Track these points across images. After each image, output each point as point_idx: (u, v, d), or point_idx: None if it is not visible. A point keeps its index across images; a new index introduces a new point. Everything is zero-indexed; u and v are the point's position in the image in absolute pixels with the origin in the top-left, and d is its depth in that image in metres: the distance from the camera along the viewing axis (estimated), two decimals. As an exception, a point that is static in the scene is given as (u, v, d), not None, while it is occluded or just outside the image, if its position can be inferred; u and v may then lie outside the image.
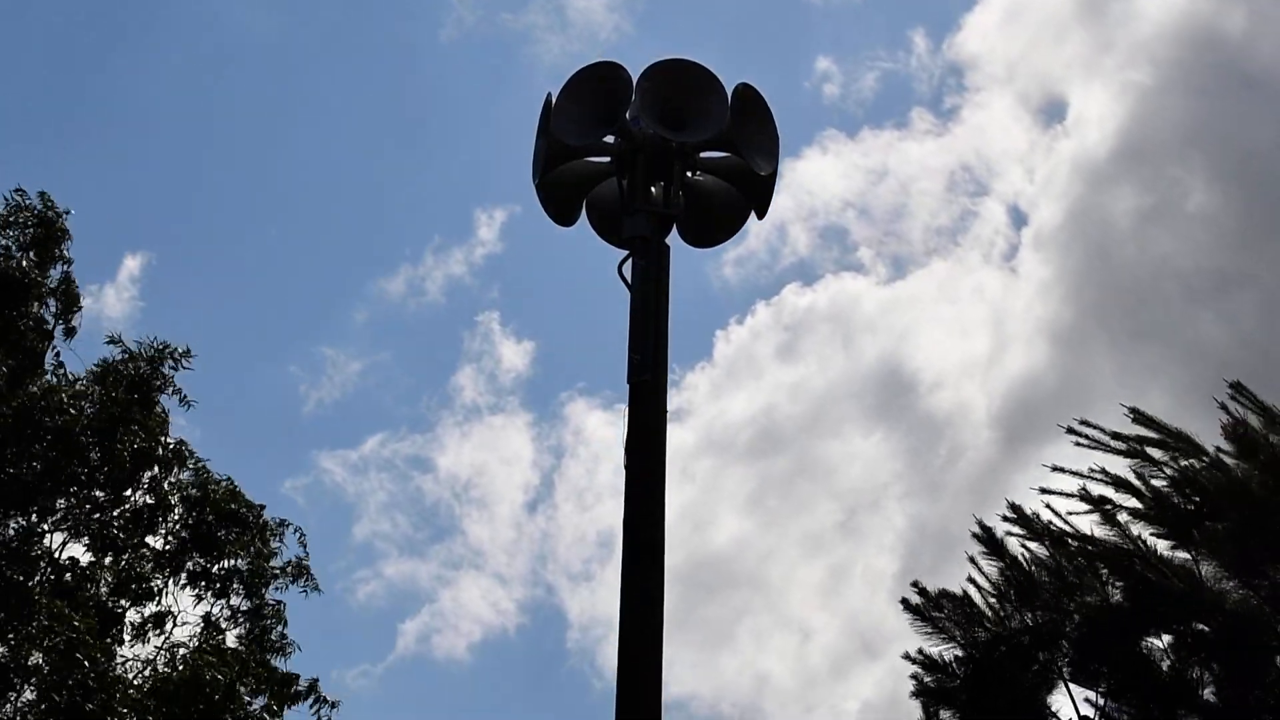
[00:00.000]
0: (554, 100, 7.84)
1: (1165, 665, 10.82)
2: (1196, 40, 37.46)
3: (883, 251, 42.70)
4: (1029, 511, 11.56)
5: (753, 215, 8.05)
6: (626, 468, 7.51)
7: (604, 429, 40.44)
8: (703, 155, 8.02)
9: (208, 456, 16.78)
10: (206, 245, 42.27)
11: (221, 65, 42.35)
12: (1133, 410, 11.39)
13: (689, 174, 7.97)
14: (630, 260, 7.80)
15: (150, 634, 16.08)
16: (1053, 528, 11.40)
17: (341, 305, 43.35)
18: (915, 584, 11.63)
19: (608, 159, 8.00)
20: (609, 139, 7.94)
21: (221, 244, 42.28)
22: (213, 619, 16.41)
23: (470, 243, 44.36)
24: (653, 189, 7.86)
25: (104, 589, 15.81)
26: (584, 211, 8.22)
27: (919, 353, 41.12)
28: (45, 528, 15.72)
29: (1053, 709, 11.17)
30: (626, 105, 7.84)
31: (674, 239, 7.92)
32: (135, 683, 15.39)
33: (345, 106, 43.58)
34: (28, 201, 16.32)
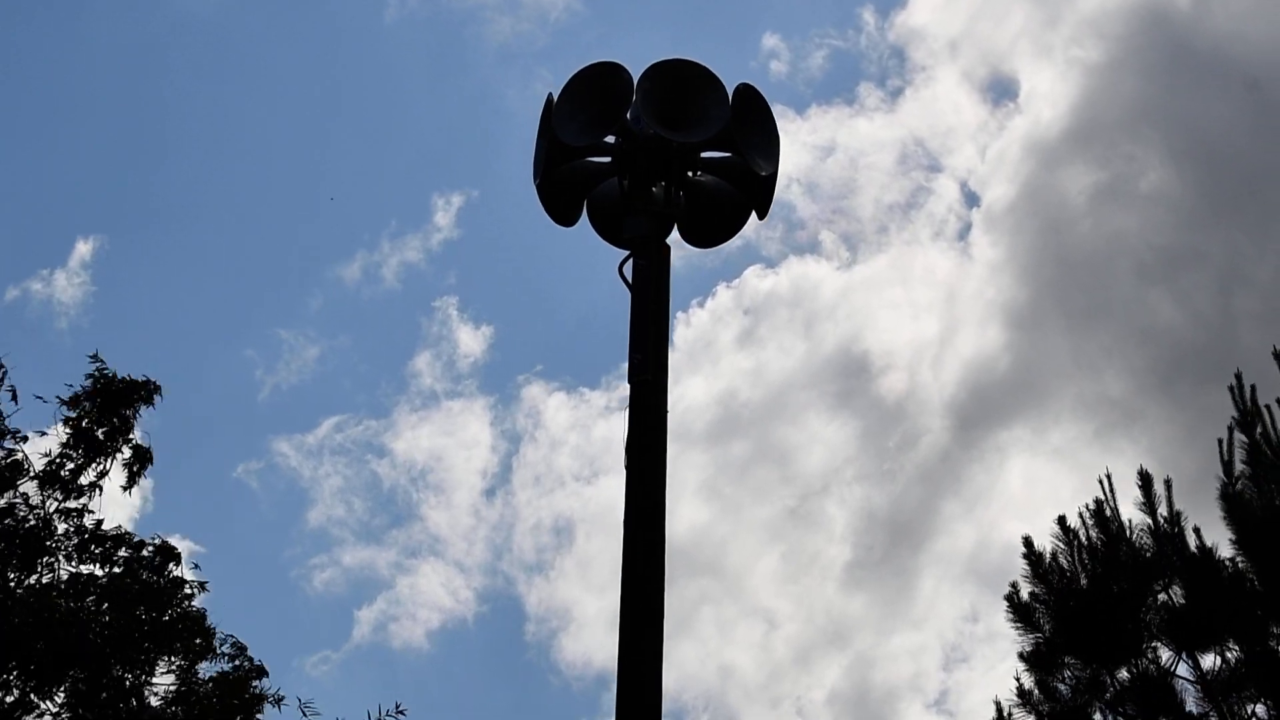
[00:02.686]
0: (554, 100, 7.87)
1: None
2: (1144, 16, 37.60)
3: (833, 229, 42.72)
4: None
5: (754, 215, 8.09)
6: (627, 467, 7.53)
7: (563, 413, 40.43)
8: (703, 155, 8.04)
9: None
10: (160, 231, 42.04)
11: (166, 47, 42.12)
12: None
13: (690, 174, 7.99)
14: (631, 260, 7.84)
15: None
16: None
17: (298, 292, 43.17)
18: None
19: (608, 159, 8.02)
20: (610, 139, 7.96)
21: (175, 230, 42.05)
22: None
23: (426, 229, 44.25)
24: (653, 189, 7.88)
25: None
26: (584, 211, 8.23)
27: (876, 336, 41.22)
28: None
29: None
30: (627, 105, 7.87)
31: (674, 238, 7.96)
32: None
33: (294, 89, 43.41)
34: None
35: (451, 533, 39.67)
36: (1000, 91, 47.35)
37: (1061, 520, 12.61)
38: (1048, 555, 12.60)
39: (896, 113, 43.32)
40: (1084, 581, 12.29)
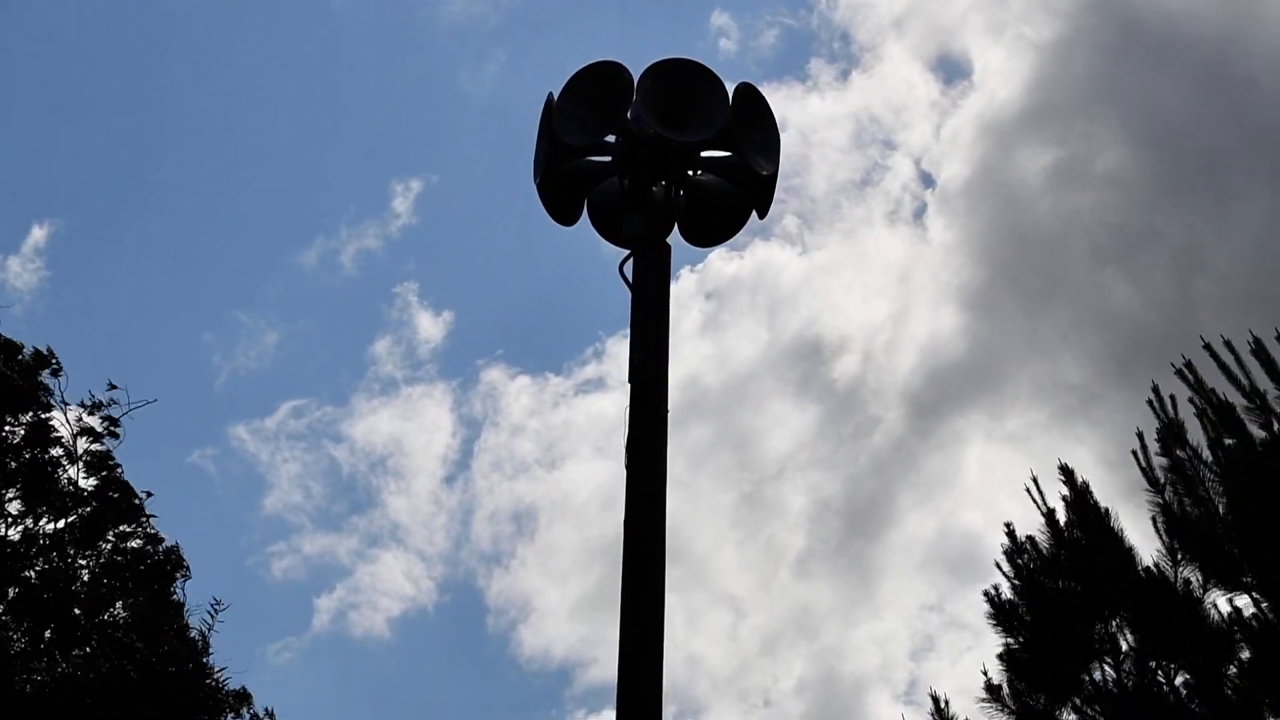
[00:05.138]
0: (555, 100, 7.88)
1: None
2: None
3: (786, 208, 42.66)
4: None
5: (754, 215, 8.11)
6: (627, 468, 7.55)
7: (523, 398, 40.38)
8: (703, 154, 8.05)
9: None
10: (117, 216, 41.86)
11: (119, 32, 41.91)
12: None
13: (690, 173, 8.01)
14: (631, 260, 7.85)
15: None
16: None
17: (256, 277, 43.06)
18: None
19: (608, 158, 8.02)
20: (610, 138, 7.97)
21: (132, 216, 41.86)
22: None
23: (385, 215, 44.14)
24: (654, 188, 7.89)
25: None
26: (585, 210, 8.23)
27: (836, 320, 41.18)
28: None
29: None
30: (627, 104, 7.88)
31: (674, 238, 7.97)
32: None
33: (248, 74, 43.26)
34: None
35: (411, 520, 39.62)
36: (953, 70, 47.23)
37: (1050, 515, 12.48)
38: (1022, 558, 12.52)
39: (849, 90, 43.24)
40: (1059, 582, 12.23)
